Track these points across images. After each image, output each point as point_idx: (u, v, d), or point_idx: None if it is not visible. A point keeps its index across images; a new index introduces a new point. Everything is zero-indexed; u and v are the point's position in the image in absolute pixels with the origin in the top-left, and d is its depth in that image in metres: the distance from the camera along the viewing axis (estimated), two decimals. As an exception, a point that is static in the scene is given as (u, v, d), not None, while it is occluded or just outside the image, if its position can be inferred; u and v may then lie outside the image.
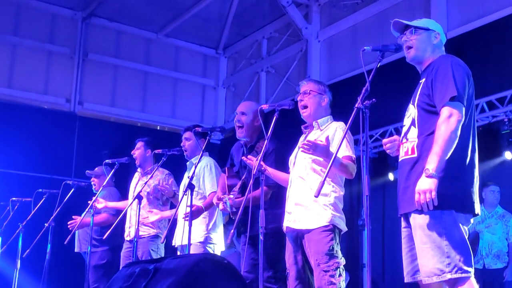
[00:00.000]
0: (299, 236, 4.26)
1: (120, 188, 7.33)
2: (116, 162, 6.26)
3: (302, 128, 4.57)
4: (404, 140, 3.44)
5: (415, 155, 3.34)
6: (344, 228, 4.31)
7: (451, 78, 3.27)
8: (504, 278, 6.50)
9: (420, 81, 3.47)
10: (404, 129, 3.53)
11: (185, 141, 5.98)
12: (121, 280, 3.42)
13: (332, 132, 4.31)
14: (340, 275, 4.12)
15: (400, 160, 3.55)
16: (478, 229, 6.63)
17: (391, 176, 8.42)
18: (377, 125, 8.40)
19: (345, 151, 4.23)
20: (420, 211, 3.24)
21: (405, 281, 3.52)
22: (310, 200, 4.19)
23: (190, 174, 5.27)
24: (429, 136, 3.29)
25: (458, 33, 8.30)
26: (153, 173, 5.95)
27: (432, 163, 3.16)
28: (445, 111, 3.23)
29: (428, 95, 3.37)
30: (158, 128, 12.24)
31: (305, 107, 4.48)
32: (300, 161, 4.35)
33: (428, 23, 3.65)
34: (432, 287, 3.37)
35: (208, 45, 12.81)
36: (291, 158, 4.52)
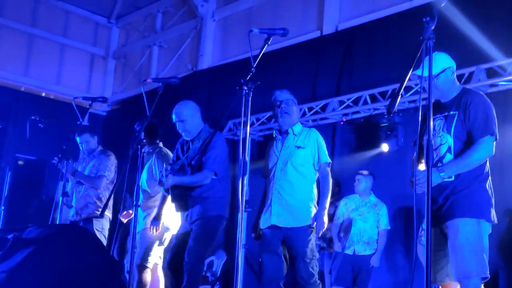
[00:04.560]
0: (282, 232, 4.68)
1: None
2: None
3: (275, 133, 4.97)
4: (440, 164, 3.77)
5: (452, 178, 3.71)
6: None
7: (492, 117, 3.75)
8: (370, 264, 6.78)
9: (451, 113, 3.80)
10: (437, 154, 3.82)
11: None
12: (-23, 249, 3.24)
13: (311, 140, 4.80)
14: (316, 265, 4.65)
15: None
16: (352, 217, 6.85)
17: (274, 160, 8.55)
18: (264, 108, 8.47)
19: (326, 157, 4.80)
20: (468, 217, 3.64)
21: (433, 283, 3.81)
22: (295, 200, 4.68)
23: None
24: None
25: (348, 25, 8.52)
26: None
27: (453, 166, 3.68)
28: (483, 141, 3.68)
29: (463, 128, 3.75)
30: (44, 95, 11.73)
31: (287, 114, 4.83)
32: (284, 165, 4.74)
33: (443, 62, 3.86)
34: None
35: (100, 13, 12.41)
36: (271, 161, 4.85)
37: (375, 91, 7.53)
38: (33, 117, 5.68)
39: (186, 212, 4.88)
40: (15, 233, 3.11)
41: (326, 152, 4.83)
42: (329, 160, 4.81)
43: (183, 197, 4.83)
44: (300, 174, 4.73)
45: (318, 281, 4.62)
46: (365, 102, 7.63)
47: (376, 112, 7.64)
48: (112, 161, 6.20)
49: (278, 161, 4.80)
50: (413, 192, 3.35)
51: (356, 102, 7.75)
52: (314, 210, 4.70)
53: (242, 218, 3.58)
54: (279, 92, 4.96)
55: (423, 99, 3.37)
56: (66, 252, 2.96)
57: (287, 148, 4.79)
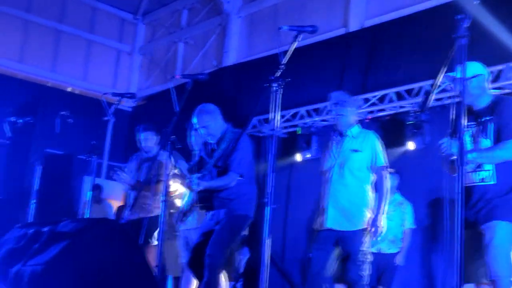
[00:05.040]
0: (337, 235, 4.75)
1: (21, 148, 7.05)
2: (20, 121, 6.04)
3: (333, 135, 5.00)
4: (479, 169, 3.82)
5: (493, 182, 3.78)
6: None
7: None
8: (395, 263, 6.76)
9: (487, 118, 3.86)
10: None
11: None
12: (12, 241, 3.30)
13: (368, 143, 4.84)
14: (368, 269, 4.73)
15: (469, 184, 3.81)
16: (377, 215, 6.83)
17: (298, 157, 8.53)
18: (289, 105, 8.48)
19: (383, 160, 4.82)
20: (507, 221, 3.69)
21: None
22: (350, 204, 4.74)
23: None
24: (502, 165, 3.78)
25: (375, 22, 8.49)
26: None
27: (476, 154, 3.74)
28: (509, 142, 3.73)
29: (497, 132, 3.81)
30: (69, 90, 11.85)
31: (341, 115, 4.87)
32: (341, 168, 4.80)
33: (475, 69, 3.91)
34: None
35: (127, 10, 12.50)
36: (328, 163, 4.90)
37: (401, 88, 7.50)
38: (63, 113, 5.73)
39: (212, 212, 4.91)
40: (50, 226, 3.16)
41: (383, 155, 4.84)
42: (385, 164, 4.84)
43: (210, 199, 4.85)
44: (356, 178, 4.78)
45: (367, 286, 4.72)
46: (391, 100, 7.61)
47: (401, 110, 7.61)
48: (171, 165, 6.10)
49: (335, 164, 4.84)
50: (444, 190, 3.34)
51: (381, 99, 7.72)
52: (368, 214, 4.72)
53: (269, 214, 3.60)
54: (335, 93, 5.03)
55: (448, 97, 3.37)
56: (100, 246, 2.99)
57: (344, 152, 4.83)
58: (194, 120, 4.93)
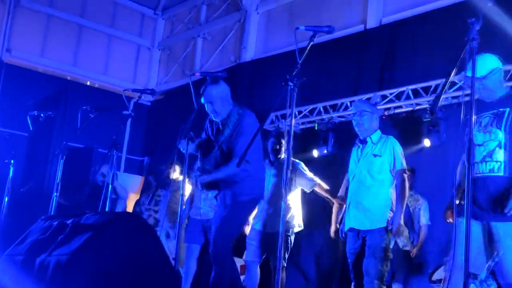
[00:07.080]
0: (360, 234, 5.11)
1: (42, 142, 7.14)
2: (42, 115, 6.16)
3: (356, 142, 5.33)
4: (488, 159, 3.85)
5: (502, 174, 3.80)
6: None
7: None
8: (410, 259, 6.82)
9: (501, 110, 3.90)
10: (485, 148, 3.90)
11: None
12: (37, 232, 3.41)
13: (387, 148, 5.12)
14: (387, 265, 4.97)
15: (479, 175, 3.87)
16: (392, 211, 6.87)
17: (315, 153, 8.58)
18: (307, 101, 8.54)
19: (400, 164, 5.10)
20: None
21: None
22: (371, 205, 5.05)
23: None
24: None
25: (392, 20, 8.52)
26: None
27: None
28: None
29: None
30: (88, 83, 12.00)
31: (361, 125, 5.21)
32: (362, 172, 5.14)
33: (490, 62, 3.96)
34: None
35: (147, 5, 12.62)
36: (351, 168, 5.29)
37: (418, 86, 7.53)
38: (84, 107, 5.84)
39: (220, 194, 4.85)
40: (74, 218, 3.27)
41: (402, 159, 5.11)
42: (404, 167, 5.11)
43: (215, 184, 4.80)
44: (377, 181, 5.08)
45: (384, 286, 4.91)
46: (408, 97, 7.64)
47: (418, 107, 7.63)
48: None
49: (357, 169, 5.18)
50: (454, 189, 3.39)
51: (398, 96, 7.75)
52: (389, 214, 5.01)
53: (285, 208, 3.68)
54: (356, 102, 5.40)
55: (466, 95, 3.42)
56: (122, 239, 3.10)
57: (365, 157, 5.16)
58: (202, 95, 4.73)
